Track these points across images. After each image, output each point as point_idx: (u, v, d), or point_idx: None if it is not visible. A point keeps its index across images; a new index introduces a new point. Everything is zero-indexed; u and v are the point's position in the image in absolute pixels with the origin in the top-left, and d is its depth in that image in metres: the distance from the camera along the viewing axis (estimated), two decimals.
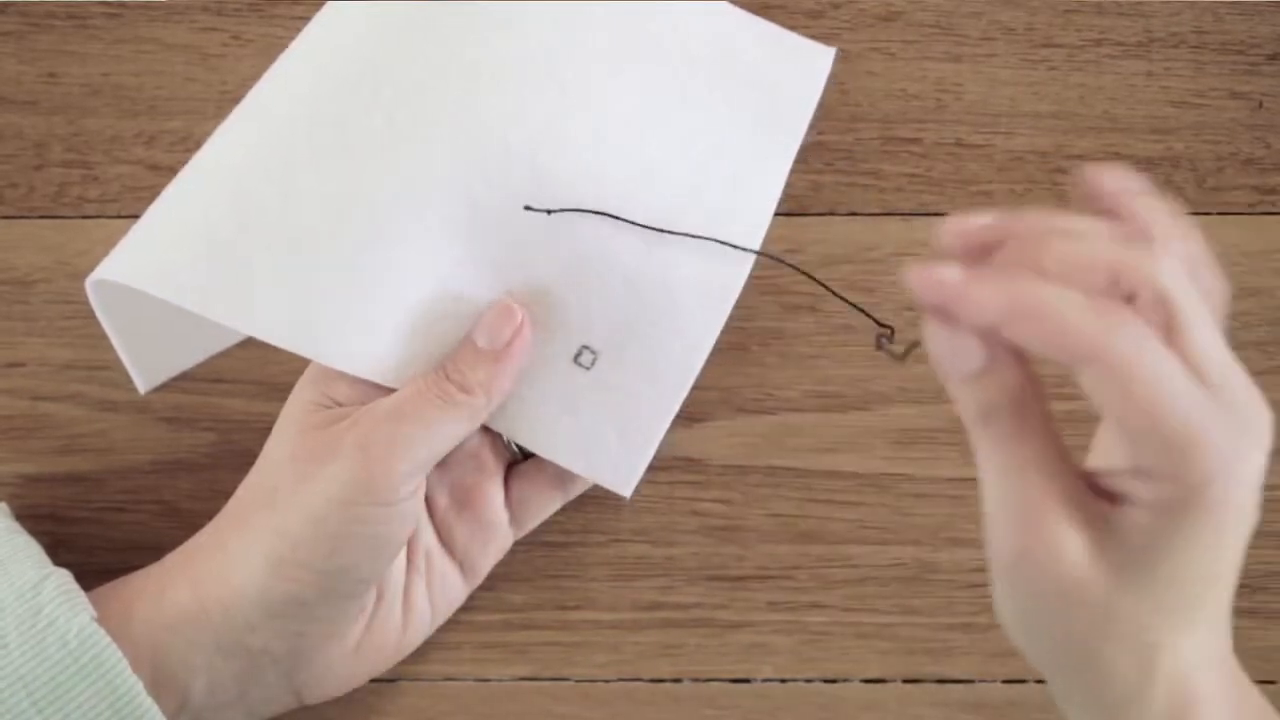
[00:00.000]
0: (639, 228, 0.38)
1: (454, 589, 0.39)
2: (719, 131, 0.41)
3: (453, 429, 0.36)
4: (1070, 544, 0.28)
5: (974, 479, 0.43)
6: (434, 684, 0.40)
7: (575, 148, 0.38)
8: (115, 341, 0.38)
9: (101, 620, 0.33)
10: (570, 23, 0.39)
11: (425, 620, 0.39)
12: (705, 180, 0.40)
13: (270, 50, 0.47)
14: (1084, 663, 0.29)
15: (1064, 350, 0.27)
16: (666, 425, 0.38)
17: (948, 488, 0.42)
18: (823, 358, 0.44)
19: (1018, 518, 0.29)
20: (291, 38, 0.48)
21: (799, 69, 0.43)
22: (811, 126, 0.47)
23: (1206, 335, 0.27)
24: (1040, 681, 0.40)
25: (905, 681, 0.40)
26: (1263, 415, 0.27)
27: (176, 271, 0.35)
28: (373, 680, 0.40)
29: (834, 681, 0.40)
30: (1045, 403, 0.30)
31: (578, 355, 0.38)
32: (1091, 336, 0.26)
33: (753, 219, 0.40)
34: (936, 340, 0.29)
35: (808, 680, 0.41)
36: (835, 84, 0.48)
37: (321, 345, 0.36)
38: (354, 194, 0.36)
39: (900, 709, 0.40)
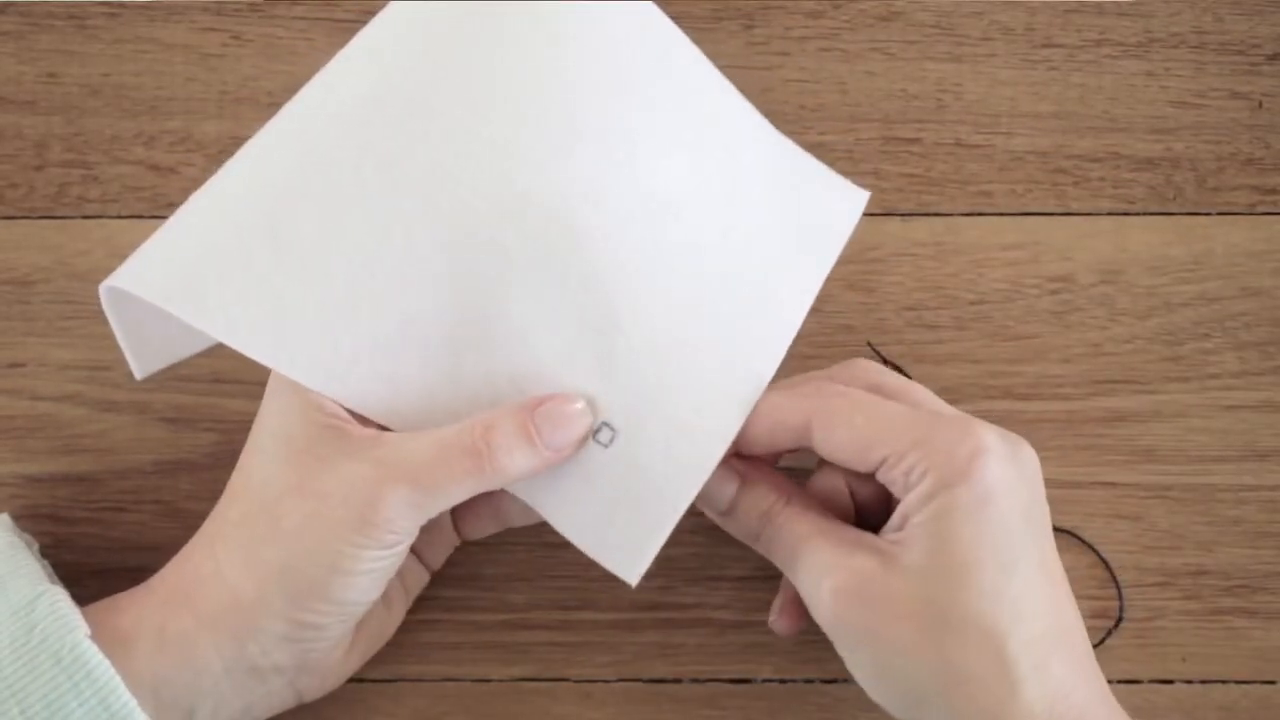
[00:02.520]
0: (674, 296, 0.37)
1: (420, 576, 0.40)
2: (756, 236, 0.40)
3: (470, 493, 0.35)
4: (873, 575, 0.33)
5: None
6: (434, 684, 0.40)
7: (616, 216, 0.37)
8: (115, 327, 0.37)
9: (102, 647, 0.33)
10: (629, 89, 0.39)
11: (403, 606, 0.40)
12: (737, 278, 0.39)
13: (270, 50, 0.48)
14: (942, 683, 0.32)
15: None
16: (681, 513, 0.36)
17: None
18: (823, 357, 0.44)
19: (821, 585, 0.34)
20: (291, 38, 0.48)
21: (835, 204, 0.42)
22: (812, 127, 0.47)
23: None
24: None
25: None
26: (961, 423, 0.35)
27: (205, 294, 0.35)
28: (373, 680, 0.40)
29: (834, 681, 0.40)
30: (801, 493, 0.37)
31: (598, 432, 0.36)
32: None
33: (777, 330, 0.39)
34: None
35: (808, 680, 0.41)
36: (835, 84, 0.48)
37: (343, 387, 0.35)
38: (392, 236, 0.36)
39: None
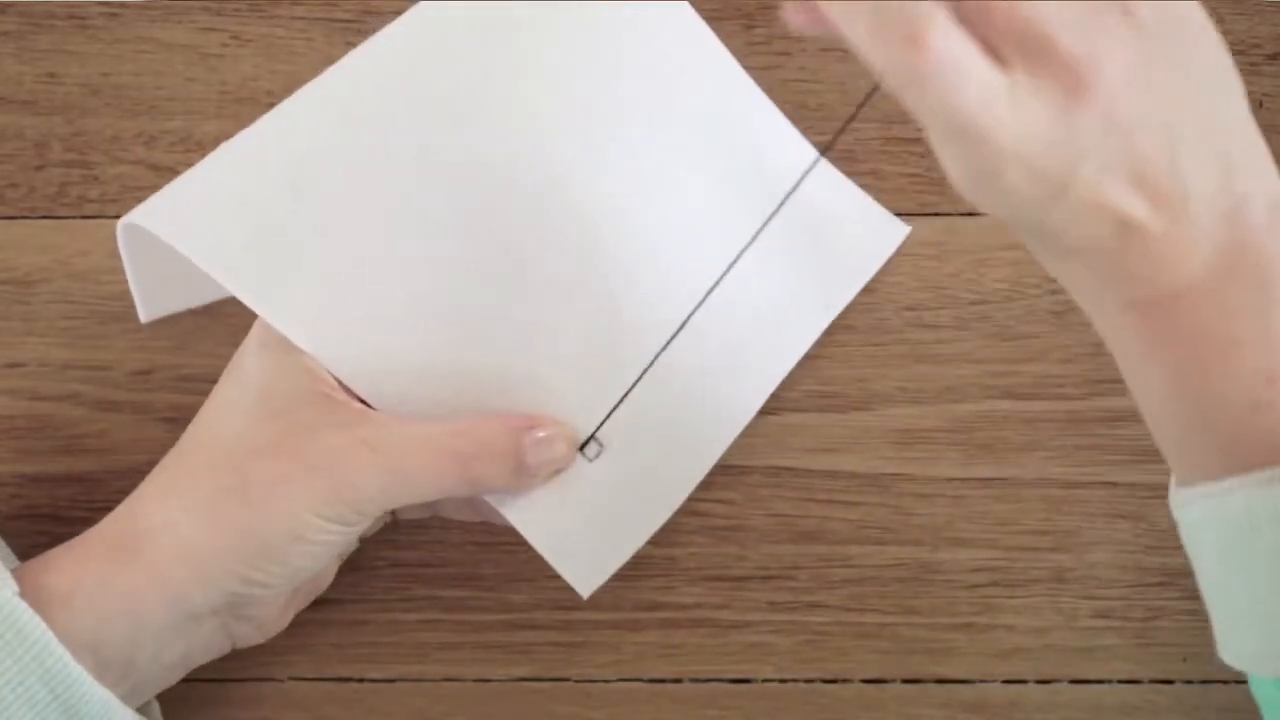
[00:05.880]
0: (681, 321, 0.37)
1: (353, 543, 0.40)
2: (773, 265, 0.40)
3: (444, 495, 0.35)
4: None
5: (974, 480, 0.44)
6: (434, 684, 0.40)
7: (635, 236, 0.37)
8: (127, 266, 0.37)
9: (35, 605, 0.32)
10: (659, 118, 0.39)
11: (335, 568, 0.40)
12: (747, 308, 0.39)
13: (270, 50, 0.48)
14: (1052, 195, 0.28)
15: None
16: (650, 533, 0.36)
17: (948, 488, 0.42)
18: (823, 358, 0.44)
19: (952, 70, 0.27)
20: (291, 38, 0.48)
21: (870, 238, 0.42)
22: (812, 127, 0.47)
23: None
24: (1041, 682, 0.41)
25: (905, 682, 0.40)
26: None
27: (218, 239, 0.35)
28: (373, 680, 0.40)
29: (834, 681, 0.40)
30: None
31: (584, 445, 0.36)
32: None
33: (776, 360, 0.40)
34: None
35: (808, 680, 0.41)
36: (835, 84, 0.48)
37: (339, 355, 0.35)
38: (411, 215, 0.36)
39: (900, 709, 0.40)
